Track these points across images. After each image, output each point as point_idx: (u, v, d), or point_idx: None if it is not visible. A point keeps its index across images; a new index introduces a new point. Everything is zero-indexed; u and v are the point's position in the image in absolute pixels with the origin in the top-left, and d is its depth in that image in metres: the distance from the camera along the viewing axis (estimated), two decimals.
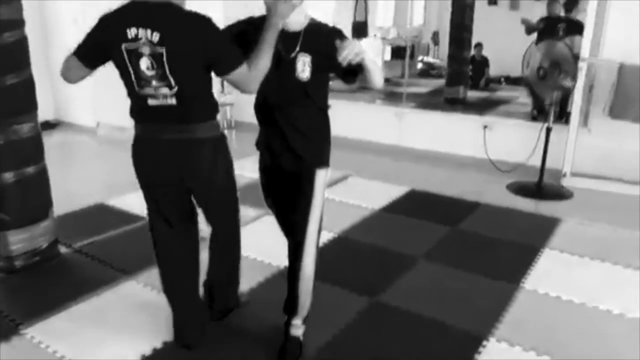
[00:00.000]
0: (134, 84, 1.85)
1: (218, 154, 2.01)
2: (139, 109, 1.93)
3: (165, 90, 1.83)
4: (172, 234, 2.12)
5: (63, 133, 6.02)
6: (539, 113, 5.18)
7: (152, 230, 2.13)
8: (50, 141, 3.03)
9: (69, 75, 1.98)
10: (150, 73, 1.80)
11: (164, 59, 1.77)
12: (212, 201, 2.11)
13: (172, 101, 1.85)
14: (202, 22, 1.80)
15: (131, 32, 1.77)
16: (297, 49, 1.90)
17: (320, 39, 1.90)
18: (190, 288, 2.20)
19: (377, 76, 1.91)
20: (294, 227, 2.08)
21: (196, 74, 1.86)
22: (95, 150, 5.61)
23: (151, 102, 1.86)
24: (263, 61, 1.84)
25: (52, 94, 6.17)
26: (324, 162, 2.07)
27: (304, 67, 1.91)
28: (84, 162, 5.23)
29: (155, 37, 1.76)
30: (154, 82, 1.82)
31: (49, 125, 5.95)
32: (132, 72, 1.83)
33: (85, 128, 6.09)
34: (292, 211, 2.07)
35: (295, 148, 2.00)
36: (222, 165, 2.04)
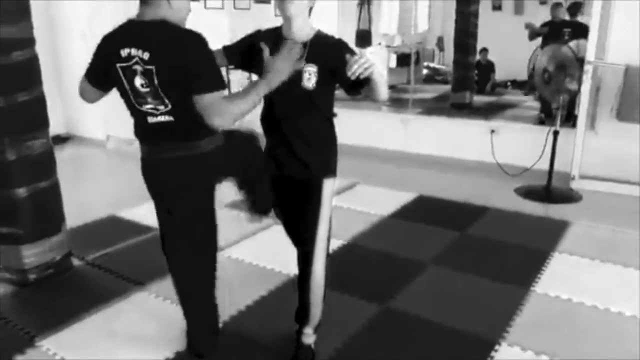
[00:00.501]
0: (133, 102, 1.87)
1: (211, 167, 1.95)
2: (141, 128, 1.94)
3: (160, 108, 1.83)
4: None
5: (74, 147, 6.09)
6: (546, 117, 5.18)
7: (162, 243, 2.15)
8: (61, 155, 3.08)
9: (85, 97, 2.03)
10: (144, 90, 1.81)
11: (154, 77, 1.78)
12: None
13: (169, 118, 1.84)
14: (191, 38, 1.77)
15: (124, 52, 1.79)
16: (304, 59, 1.90)
17: (327, 52, 1.92)
18: (202, 298, 2.21)
19: (383, 88, 1.92)
20: (302, 237, 2.09)
21: (186, 92, 1.80)
22: (105, 163, 5.68)
23: (150, 119, 1.86)
24: (244, 104, 1.75)
25: (63, 108, 6.25)
26: (331, 171, 2.10)
27: (309, 76, 1.93)
28: (95, 175, 5.29)
29: (146, 55, 1.76)
30: (149, 99, 1.82)
31: (60, 140, 6.03)
32: (129, 89, 1.84)
33: (96, 141, 6.17)
34: (300, 220, 2.08)
35: (302, 157, 2.02)
36: (199, 188, 1.96)
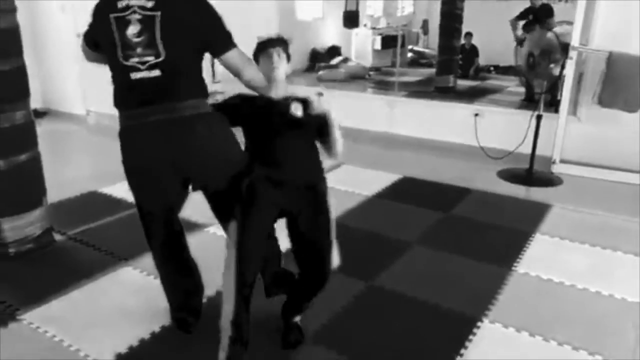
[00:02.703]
0: (117, 55, 1.81)
1: (213, 127, 1.91)
2: (123, 90, 1.88)
3: (150, 59, 1.79)
4: (158, 223, 2.08)
5: (52, 121, 5.96)
6: (529, 102, 5.24)
7: (141, 218, 2.10)
8: (39, 130, 3.00)
9: (86, 57, 2.07)
10: (136, 40, 1.78)
11: (156, 23, 1.76)
12: (216, 181, 1.96)
13: (157, 72, 1.80)
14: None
15: (122, 3, 1.79)
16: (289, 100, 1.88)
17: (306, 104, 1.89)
18: (183, 272, 2.20)
19: (338, 145, 1.96)
20: (321, 245, 1.99)
21: (186, 47, 1.84)
22: (86, 139, 5.57)
23: (134, 75, 1.80)
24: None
25: (40, 82, 6.09)
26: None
27: (297, 108, 1.87)
28: (75, 151, 5.19)
29: (149, 4, 1.77)
30: (139, 50, 1.79)
31: (38, 114, 5.86)
32: (118, 40, 1.80)
33: (75, 116, 6.04)
34: (314, 229, 1.99)
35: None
36: (221, 138, 1.94)
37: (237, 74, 1.96)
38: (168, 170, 1.91)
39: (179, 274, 2.20)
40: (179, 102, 1.85)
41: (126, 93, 1.88)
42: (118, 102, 1.92)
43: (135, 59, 1.80)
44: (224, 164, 1.94)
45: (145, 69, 1.80)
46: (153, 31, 1.77)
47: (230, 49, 1.92)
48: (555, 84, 4.42)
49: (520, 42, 5.75)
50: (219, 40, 1.91)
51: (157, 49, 1.79)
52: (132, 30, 1.78)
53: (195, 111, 1.88)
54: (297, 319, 2.21)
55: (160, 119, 1.84)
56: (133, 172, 1.96)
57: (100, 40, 1.89)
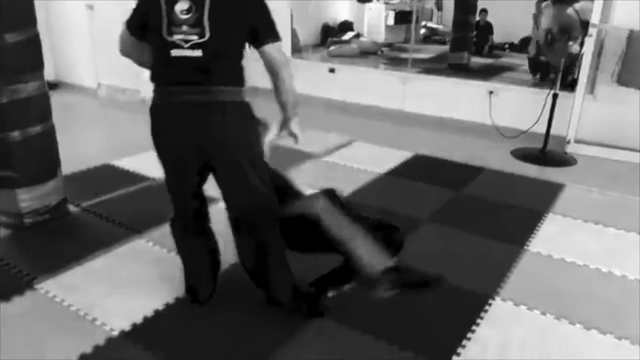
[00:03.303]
0: (162, 30, 1.81)
1: (244, 120, 1.92)
2: (161, 65, 1.88)
3: (194, 38, 1.79)
4: (183, 195, 2.09)
5: (64, 94, 5.96)
6: (541, 80, 5.16)
7: (168, 186, 2.10)
8: (51, 102, 3.01)
9: (123, 49, 2.03)
10: (183, 17, 1.78)
11: (206, 3, 1.77)
12: (237, 175, 1.95)
13: (198, 53, 1.79)
14: None
15: None
16: None
17: None
18: (204, 244, 2.22)
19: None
20: None
21: (232, 30, 1.84)
22: (97, 112, 5.57)
23: (175, 52, 1.80)
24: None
25: (52, 54, 6.08)
26: None
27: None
28: (87, 123, 5.20)
29: None
30: (184, 27, 1.78)
31: (49, 86, 5.87)
32: (165, 16, 1.80)
33: (86, 89, 6.03)
34: None
35: None
36: (249, 133, 1.94)
37: (273, 70, 1.93)
38: (191, 152, 1.91)
39: (199, 245, 2.20)
40: (216, 85, 1.85)
41: (164, 69, 1.88)
42: (155, 77, 1.93)
43: (179, 36, 1.79)
44: (246, 157, 1.93)
45: (188, 48, 1.80)
46: (202, 10, 1.77)
47: (275, 41, 1.90)
48: (572, 63, 4.34)
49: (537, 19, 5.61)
50: (266, 29, 1.89)
51: (203, 29, 1.78)
52: (181, 6, 1.78)
53: (229, 98, 1.88)
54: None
55: (194, 100, 1.84)
56: (160, 148, 1.98)
57: (147, 18, 1.88)
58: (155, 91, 1.92)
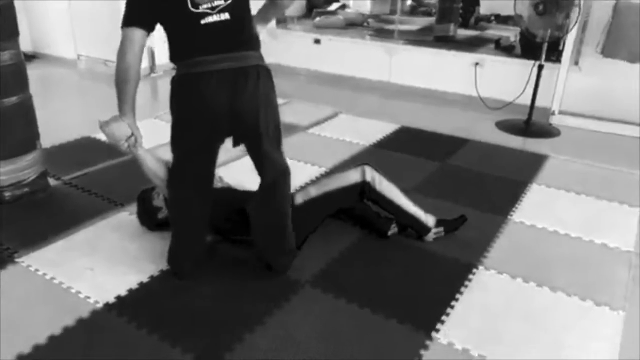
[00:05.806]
0: (187, 6, 1.82)
1: (272, 85, 2.00)
2: (188, 39, 1.87)
3: (220, 3, 1.84)
4: (201, 162, 2.08)
5: (42, 65, 5.81)
6: (525, 52, 5.12)
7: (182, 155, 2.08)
8: (29, 74, 2.92)
9: (125, 56, 1.91)
10: None
11: None
12: (271, 137, 2.01)
13: (226, 15, 1.84)
14: None
15: None
16: None
17: None
18: (204, 215, 2.20)
19: None
20: None
21: None
22: (77, 84, 5.44)
23: (205, 20, 1.83)
24: None
25: (28, 24, 5.90)
26: None
27: None
28: (66, 96, 5.07)
29: None
30: None
31: (26, 57, 5.71)
32: None
33: (65, 60, 5.88)
34: None
35: None
36: (275, 98, 2.03)
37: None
38: (224, 119, 1.91)
39: (200, 217, 2.17)
40: (247, 50, 1.91)
41: (192, 42, 1.88)
42: (180, 54, 1.92)
43: (206, 5, 1.83)
44: (273, 122, 2.00)
45: (216, 13, 1.84)
46: None
47: None
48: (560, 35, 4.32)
49: None
50: None
51: None
52: None
53: (257, 61, 1.94)
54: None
55: (230, 67, 1.87)
56: (188, 120, 1.95)
57: (158, 2, 1.85)
58: (183, 65, 1.91)
